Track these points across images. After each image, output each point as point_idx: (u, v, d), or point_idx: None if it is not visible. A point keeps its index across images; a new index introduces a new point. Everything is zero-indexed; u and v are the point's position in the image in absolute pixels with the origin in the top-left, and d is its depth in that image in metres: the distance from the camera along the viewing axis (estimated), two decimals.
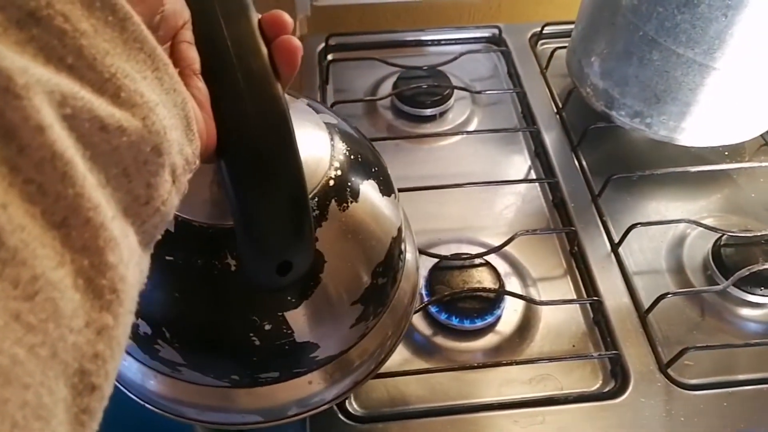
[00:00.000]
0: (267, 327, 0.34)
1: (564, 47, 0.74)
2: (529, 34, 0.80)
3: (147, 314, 0.34)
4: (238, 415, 0.39)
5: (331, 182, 0.35)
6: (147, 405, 0.40)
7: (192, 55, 0.27)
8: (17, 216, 0.17)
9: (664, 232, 0.61)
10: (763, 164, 0.64)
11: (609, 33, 0.62)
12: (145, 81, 0.21)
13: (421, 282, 0.54)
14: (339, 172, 0.36)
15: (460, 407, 0.49)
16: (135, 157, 0.20)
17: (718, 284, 0.55)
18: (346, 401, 0.49)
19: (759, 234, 0.57)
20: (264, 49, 0.28)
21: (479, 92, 0.72)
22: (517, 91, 0.73)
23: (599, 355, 0.51)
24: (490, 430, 0.48)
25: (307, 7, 0.80)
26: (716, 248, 0.57)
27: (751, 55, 0.55)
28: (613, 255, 0.59)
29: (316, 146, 0.36)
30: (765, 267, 0.54)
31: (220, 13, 0.27)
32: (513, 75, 0.76)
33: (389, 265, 0.39)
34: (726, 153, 0.68)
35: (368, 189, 0.37)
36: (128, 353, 0.38)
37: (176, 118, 0.22)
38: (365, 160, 0.39)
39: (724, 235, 0.58)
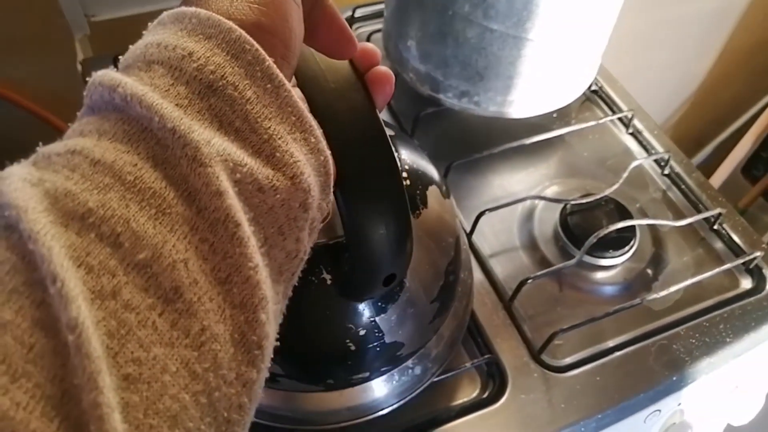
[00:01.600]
0: (361, 332, 0.37)
1: (380, 30, 0.69)
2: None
3: None
4: (331, 416, 0.41)
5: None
6: None
7: (299, 95, 0.28)
8: (194, 271, 0.19)
9: (512, 210, 0.59)
10: (588, 123, 0.65)
11: (419, 14, 0.58)
12: (294, 142, 0.23)
13: None
14: (408, 182, 0.38)
15: None
16: (287, 214, 0.22)
17: (572, 255, 0.55)
18: None
19: (598, 197, 0.57)
20: (361, 83, 0.30)
21: None
22: None
23: (473, 363, 0.49)
24: None
25: (84, 25, 0.69)
26: (563, 218, 0.57)
27: (559, 21, 0.54)
28: (467, 246, 0.56)
29: None
30: (609, 230, 0.54)
31: (316, 53, 0.30)
32: None
33: (457, 262, 0.43)
34: (555, 115, 0.68)
35: (432, 195, 0.40)
36: None
37: (319, 175, 0.24)
38: (425, 168, 0.41)
39: (567, 204, 0.57)
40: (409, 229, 0.32)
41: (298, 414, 0.41)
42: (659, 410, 0.51)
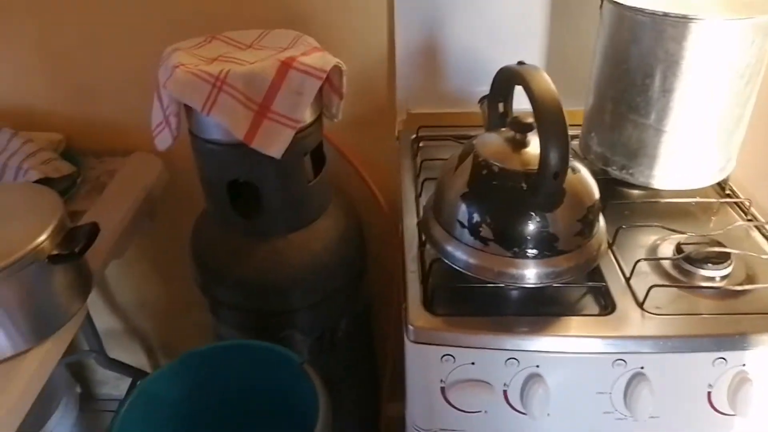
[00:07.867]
0: (538, 220, 0.71)
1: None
2: None
3: (479, 211, 0.73)
4: (510, 278, 0.74)
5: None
6: (464, 271, 0.76)
7: None
8: None
9: (647, 236, 0.89)
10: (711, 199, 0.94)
11: (601, 118, 0.97)
12: None
13: None
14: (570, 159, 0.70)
15: None
16: None
17: (686, 271, 0.82)
18: None
19: (706, 235, 0.85)
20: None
21: None
22: None
23: (593, 284, 0.79)
24: None
25: (404, 114, 1.20)
26: (678, 246, 0.85)
27: (688, 121, 0.88)
28: (603, 222, 0.87)
29: None
30: (707, 250, 0.81)
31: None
32: None
33: (594, 210, 0.76)
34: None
35: (583, 171, 0.77)
36: (459, 240, 0.76)
37: None
38: (580, 164, 0.78)
39: (685, 236, 0.86)
40: (567, 159, 0.67)
41: (490, 272, 0.74)
42: (724, 359, 0.73)
